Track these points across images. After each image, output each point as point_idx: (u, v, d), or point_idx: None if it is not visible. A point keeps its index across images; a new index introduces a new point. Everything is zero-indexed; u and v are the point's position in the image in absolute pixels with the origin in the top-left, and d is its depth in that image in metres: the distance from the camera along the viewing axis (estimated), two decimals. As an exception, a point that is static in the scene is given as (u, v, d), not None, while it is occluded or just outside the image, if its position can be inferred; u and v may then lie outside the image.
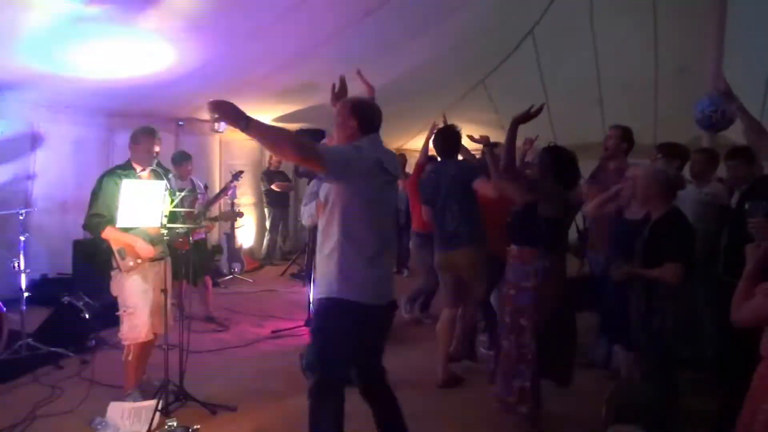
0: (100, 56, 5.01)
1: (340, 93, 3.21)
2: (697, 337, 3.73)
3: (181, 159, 5.63)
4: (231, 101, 2.34)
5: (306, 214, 3.70)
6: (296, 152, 2.44)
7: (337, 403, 2.67)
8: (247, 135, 2.33)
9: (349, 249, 2.57)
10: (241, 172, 6.01)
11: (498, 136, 4.31)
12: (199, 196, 5.51)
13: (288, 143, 2.45)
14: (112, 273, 3.59)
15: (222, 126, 2.29)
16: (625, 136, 4.44)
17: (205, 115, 7.81)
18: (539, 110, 3.17)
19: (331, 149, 2.65)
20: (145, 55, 5.19)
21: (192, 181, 5.65)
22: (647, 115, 7.73)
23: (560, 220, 3.47)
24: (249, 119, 2.30)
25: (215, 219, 5.53)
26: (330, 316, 2.64)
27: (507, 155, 3.38)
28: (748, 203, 2.70)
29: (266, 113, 8.50)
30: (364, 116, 2.71)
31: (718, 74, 4.76)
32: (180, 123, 7.41)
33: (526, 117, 3.18)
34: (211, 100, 2.32)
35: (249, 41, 5.41)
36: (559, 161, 3.49)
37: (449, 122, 5.01)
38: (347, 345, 2.66)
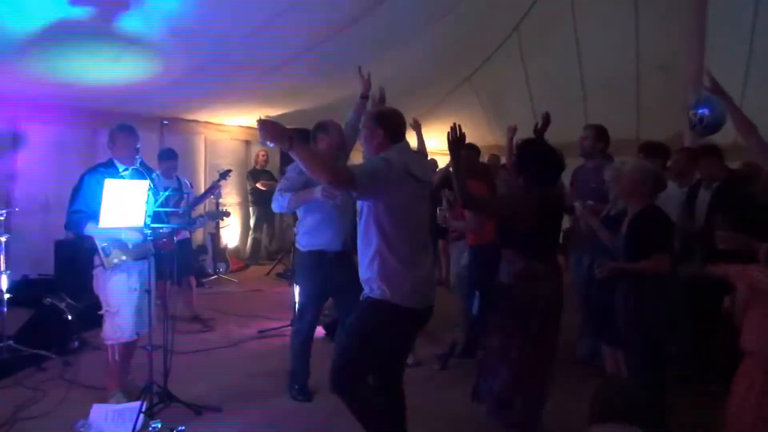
0: (84, 58, 4.96)
1: (381, 103, 3.41)
2: (681, 333, 3.78)
3: (164, 157, 5.59)
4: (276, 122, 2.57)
5: (276, 203, 3.76)
6: (331, 176, 2.65)
7: (376, 397, 2.86)
8: (291, 154, 2.58)
9: (389, 255, 2.70)
10: (229, 171, 5.99)
11: (484, 133, 4.36)
12: (185, 195, 5.47)
13: (325, 168, 2.65)
14: (95, 271, 3.54)
15: (271, 143, 2.48)
16: (599, 135, 4.45)
17: (189, 114, 7.78)
18: (462, 133, 3.07)
19: (362, 170, 2.73)
20: (127, 58, 5.15)
21: (178, 179, 5.61)
22: (630, 110, 7.81)
23: (535, 224, 3.23)
24: (292, 140, 2.50)
25: (207, 216, 5.48)
26: (370, 316, 2.78)
27: (460, 190, 3.15)
28: (719, 216, 2.74)
29: (250, 116, 8.46)
30: (390, 125, 2.83)
31: (704, 71, 4.79)
32: (164, 122, 7.34)
33: (459, 141, 3.08)
34: (260, 118, 2.53)
35: (231, 49, 5.39)
36: (526, 157, 3.35)
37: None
38: (381, 344, 2.80)
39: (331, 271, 3.83)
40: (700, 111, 4.27)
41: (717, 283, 2.77)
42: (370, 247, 2.73)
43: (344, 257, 3.88)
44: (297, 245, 4.02)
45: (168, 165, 5.51)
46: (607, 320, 3.47)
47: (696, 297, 3.78)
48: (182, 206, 4.94)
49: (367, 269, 2.76)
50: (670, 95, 5.02)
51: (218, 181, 5.71)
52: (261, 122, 2.52)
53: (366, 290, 2.79)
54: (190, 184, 5.96)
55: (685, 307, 3.90)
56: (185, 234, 5.49)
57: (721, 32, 5.84)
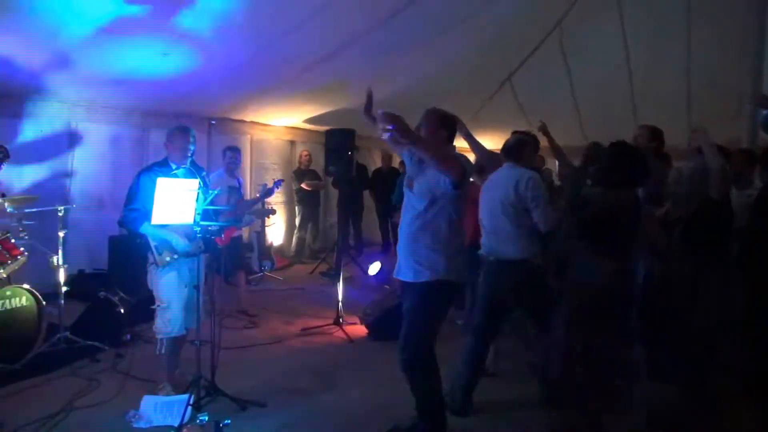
0: (136, 54, 5.10)
1: (368, 105, 3.43)
2: (739, 338, 3.65)
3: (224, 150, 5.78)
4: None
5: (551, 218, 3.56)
6: (457, 165, 2.82)
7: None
8: (414, 150, 2.83)
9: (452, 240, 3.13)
10: (282, 180, 6.16)
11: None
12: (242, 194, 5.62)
13: (449, 159, 2.82)
14: (149, 267, 3.67)
15: (386, 135, 2.56)
16: (653, 135, 4.31)
17: (236, 115, 7.93)
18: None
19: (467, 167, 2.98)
20: (177, 52, 5.26)
21: (237, 179, 5.77)
22: (680, 123, 7.56)
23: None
24: (418, 137, 2.72)
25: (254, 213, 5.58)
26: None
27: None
28: None
29: (296, 115, 8.57)
30: (452, 129, 3.09)
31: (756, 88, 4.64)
32: (212, 122, 7.48)
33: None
34: (384, 111, 2.61)
35: (277, 42, 5.45)
36: (619, 160, 3.34)
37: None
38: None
39: None
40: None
41: None
42: (435, 239, 2.99)
43: None
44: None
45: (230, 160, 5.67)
46: (658, 326, 3.38)
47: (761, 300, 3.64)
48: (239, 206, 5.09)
49: (432, 252, 3.00)
50: (723, 111, 4.74)
51: (272, 188, 5.81)
52: (387, 115, 2.57)
53: (424, 274, 3.01)
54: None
55: (747, 311, 3.77)
56: (238, 231, 5.63)
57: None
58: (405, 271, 3.09)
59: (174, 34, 4.80)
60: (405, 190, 3.16)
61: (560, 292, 3.55)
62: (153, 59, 5.22)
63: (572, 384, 3.33)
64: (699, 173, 3.60)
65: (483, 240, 3.79)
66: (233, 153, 5.68)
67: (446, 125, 3.02)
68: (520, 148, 3.71)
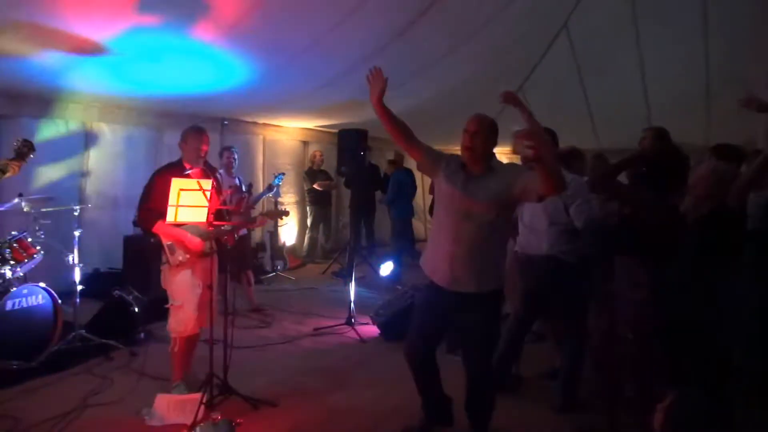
0: (152, 65, 5.16)
1: (380, 93, 3.29)
2: (749, 343, 3.60)
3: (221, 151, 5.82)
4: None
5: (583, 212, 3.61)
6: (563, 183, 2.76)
7: None
8: (540, 164, 2.60)
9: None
10: (283, 174, 6.16)
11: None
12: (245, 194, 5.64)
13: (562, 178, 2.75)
14: (162, 267, 3.69)
15: (527, 153, 2.59)
16: (659, 136, 4.24)
17: (249, 116, 7.96)
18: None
19: None
20: (193, 65, 5.32)
21: (238, 178, 5.78)
22: (698, 123, 7.46)
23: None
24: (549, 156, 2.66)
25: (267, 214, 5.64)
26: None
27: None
28: None
29: (308, 119, 8.59)
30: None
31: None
32: (224, 122, 7.56)
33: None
34: (523, 131, 2.72)
35: (291, 62, 5.50)
36: (662, 166, 3.36)
37: None
38: None
39: None
40: None
41: None
42: (500, 246, 3.04)
43: None
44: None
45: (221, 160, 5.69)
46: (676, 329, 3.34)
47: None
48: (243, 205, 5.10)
49: (496, 260, 2.99)
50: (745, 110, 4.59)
51: (273, 183, 5.82)
52: (529, 134, 2.63)
53: (490, 282, 2.96)
54: (249, 184, 6.13)
55: (761, 312, 3.72)
56: (244, 231, 5.66)
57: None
58: (467, 282, 2.93)
59: (189, 44, 4.83)
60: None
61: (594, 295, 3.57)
62: (169, 72, 5.28)
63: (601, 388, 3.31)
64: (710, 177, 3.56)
65: (519, 238, 3.92)
66: (230, 152, 5.78)
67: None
68: (571, 159, 3.97)
